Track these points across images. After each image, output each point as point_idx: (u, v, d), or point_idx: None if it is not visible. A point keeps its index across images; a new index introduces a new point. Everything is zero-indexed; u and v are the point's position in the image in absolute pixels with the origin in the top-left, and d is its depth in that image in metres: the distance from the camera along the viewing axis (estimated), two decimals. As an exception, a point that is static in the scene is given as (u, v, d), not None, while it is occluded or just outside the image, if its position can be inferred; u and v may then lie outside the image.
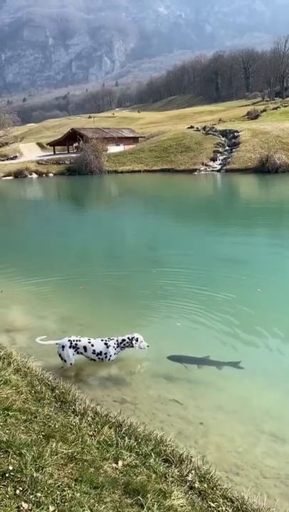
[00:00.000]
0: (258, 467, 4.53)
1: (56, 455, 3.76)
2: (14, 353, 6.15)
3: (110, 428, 4.37)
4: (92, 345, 6.42)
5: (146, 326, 7.93)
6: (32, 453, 3.69)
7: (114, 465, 3.76)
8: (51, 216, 25.08)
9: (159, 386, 6.05)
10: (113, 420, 4.51)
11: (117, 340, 6.51)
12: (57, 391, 5.00)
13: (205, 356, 6.59)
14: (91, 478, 3.45)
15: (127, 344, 6.49)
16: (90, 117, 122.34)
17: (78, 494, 3.25)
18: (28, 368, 5.62)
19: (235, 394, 5.96)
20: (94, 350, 6.42)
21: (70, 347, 6.34)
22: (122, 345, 6.50)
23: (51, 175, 52.44)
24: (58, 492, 3.25)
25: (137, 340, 6.47)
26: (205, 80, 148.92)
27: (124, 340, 6.50)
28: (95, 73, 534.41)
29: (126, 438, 4.16)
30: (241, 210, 23.53)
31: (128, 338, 6.51)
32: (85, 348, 6.40)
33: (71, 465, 3.68)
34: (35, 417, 4.40)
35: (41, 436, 4.06)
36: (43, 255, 14.00)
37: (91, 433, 4.25)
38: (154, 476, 3.63)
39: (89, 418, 4.53)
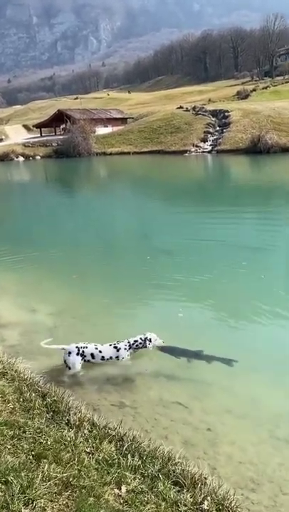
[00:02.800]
0: (275, 481, 4.05)
1: (49, 481, 3.24)
2: (0, 353, 5.60)
3: (110, 443, 3.84)
4: (100, 352, 5.89)
5: (145, 317, 7.40)
6: (20, 480, 3.16)
7: (116, 491, 3.24)
8: (39, 201, 24.25)
9: (159, 386, 5.52)
10: (113, 433, 3.97)
11: (129, 342, 5.97)
12: (48, 399, 4.44)
13: (199, 350, 6.09)
14: (91, 513, 2.93)
15: (140, 345, 5.97)
16: (76, 98, 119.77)
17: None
18: (15, 372, 5.05)
19: (243, 394, 5.46)
20: (103, 357, 5.89)
21: (77, 354, 5.79)
22: (134, 346, 5.96)
23: (38, 158, 51.16)
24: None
25: (150, 340, 5.96)
26: (193, 59, 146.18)
27: (136, 341, 5.98)
28: (81, 53, 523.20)
29: (129, 456, 3.64)
30: (236, 192, 22.91)
31: (140, 338, 5.99)
32: (92, 355, 5.86)
33: (66, 493, 3.16)
34: (24, 432, 3.86)
35: (31, 457, 3.52)
36: (31, 242, 13.23)
37: (88, 450, 3.72)
38: (163, 504, 3.12)
39: (85, 431, 3.99)
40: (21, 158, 51.20)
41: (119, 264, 10.58)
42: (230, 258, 10.50)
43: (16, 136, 64.52)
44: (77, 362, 5.76)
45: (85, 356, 5.83)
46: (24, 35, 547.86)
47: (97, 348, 5.88)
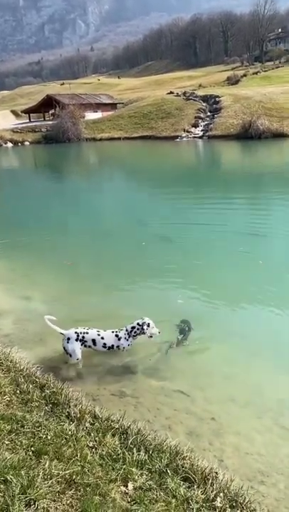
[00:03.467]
0: (284, 473, 3.90)
1: (51, 479, 3.04)
2: (-6, 342, 5.37)
3: (114, 436, 3.65)
4: (103, 338, 5.58)
5: (143, 304, 7.14)
6: (20, 479, 2.95)
7: (123, 488, 3.05)
8: (28, 187, 23.78)
9: (160, 375, 5.34)
10: (116, 426, 3.78)
11: (127, 330, 5.63)
12: (47, 390, 4.23)
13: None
14: (97, 513, 2.74)
15: (139, 331, 5.62)
16: (63, 84, 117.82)
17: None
18: (11, 362, 4.83)
19: (245, 381, 5.30)
20: (104, 344, 5.58)
21: (76, 340, 5.47)
22: (132, 333, 5.62)
23: (27, 143, 50.27)
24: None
25: (148, 325, 5.59)
26: (183, 44, 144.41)
27: (133, 327, 5.62)
28: (69, 37, 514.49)
29: (134, 450, 3.45)
30: (228, 177, 22.65)
31: (138, 324, 5.62)
32: (94, 341, 5.56)
33: (70, 492, 2.96)
34: (22, 426, 3.65)
35: (31, 453, 3.32)
36: (21, 229, 12.83)
37: (91, 444, 3.53)
38: (174, 502, 2.94)
39: (87, 424, 3.80)
40: (10, 144, 50.28)
41: (112, 250, 10.33)
42: (227, 243, 10.31)
43: (4, 121, 63.24)
44: (77, 348, 5.45)
45: (86, 342, 5.53)
46: (10, 19, 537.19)
47: (99, 335, 5.59)
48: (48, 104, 59.89)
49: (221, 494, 2.99)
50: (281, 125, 39.19)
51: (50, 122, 53.65)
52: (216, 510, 2.89)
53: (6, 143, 50.30)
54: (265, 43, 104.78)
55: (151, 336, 5.64)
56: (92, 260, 9.72)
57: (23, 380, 4.40)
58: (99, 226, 13.08)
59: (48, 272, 8.98)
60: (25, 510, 2.70)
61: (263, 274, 8.34)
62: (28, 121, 62.52)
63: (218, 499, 2.94)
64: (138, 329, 5.62)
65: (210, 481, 3.13)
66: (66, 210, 16.30)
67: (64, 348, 5.49)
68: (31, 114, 65.06)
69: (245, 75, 72.14)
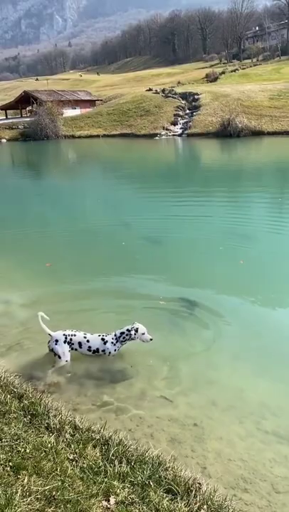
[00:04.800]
0: (268, 479, 3.88)
1: (30, 496, 2.94)
2: None
3: (95, 447, 3.56)
4: (88, 341, 5.51)
5: (126, 306, 7.05)
6: (-2, 498, 2.84)
7: (104, 503, 2.97)
8: (5, 185, 23.37)
9: (142, 380, 5.26)
10: (97, 436, 3.69)
11: (116, 335, 5.55)
12: (25, 401, 4.11)
13: None
14: (79, 532, 2.66)
15: (128, 337, 5.53)
16: (37, 79, 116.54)
17: None
18: (-12, 371, 4.69)
19: (228, 385, 5.26)
20: (90, 347, 5.51)
21: (64, 342, 5.41)
22: (121, 338, 5.53)
23: (4, 141, 49.44)
24: None
25: (136, 330, 5.50)
26: (161, 40, 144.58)
27: (122, 333, 5.53)
28: (46, 32, 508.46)
29: (116, 462, 3.37)
30: (207, 175, 22.69)
31: (127, 329, 5.53)
32: (80, 343, 5.50)
33: (50, 510, 2.87)
34: (0, 440, 3.53)
35: (9, 469, 3.21)
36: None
37: (71, 457, 3.43)
38: (157, 516, 2.88)
39: (67, 435, 3.70)
40: (-14, 141, 49.42)
41: (93, 251, 10.21)
42: (208, 242, 10.30)
43: (-20, 118, 62.18)
44: (66, 350, 5.40)
45: (73, 344, 5.47)
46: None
47: (85, 337, 5.52)
48: (26, 100, 59.09)
49: (205, 506, 2.94)
50: (259, 123, 39.59)
51: (28, 119, 52.92)
52: (199, 523, 2.84)
53: (-18, 140, 49.40)
54: (243, 41, 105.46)
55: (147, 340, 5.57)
56: (72, 261, 9.57)
57: (0, 390, 4.27)
58: (78, 225, 12.90)
59: (27, 274, 8.78)
60: (3, 531, 2.60)
61: (245, 274, 8.35)
62: (4, 117, 61.50)
63: (202, 511, 2.89)
64: (127, 335, 5.54)
65: (193, 492, 3.08)
66: (44, 209, 16.04)
67: (52, 349, 5.42)
68: (8, 111, 64.04)
69: (223, 73, 72.48)
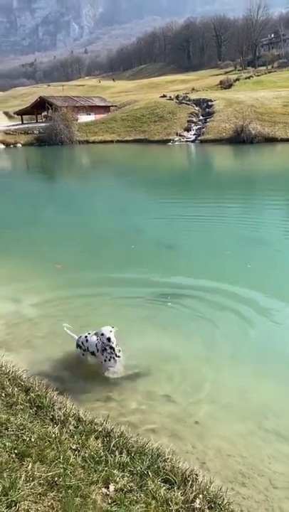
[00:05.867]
0: (265, 474, 3.97)
1: (33, 481, 3.08)
2: (-20, 346, 5.39)
3: (97, 439, 3.70)
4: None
5: (134, 308, 7.18)
6: (2, 481, 2.99)
7: (104, 490, 3.10)
8: (20, 189, 23.73)
9: (146, 379, 5.39)
10: (100, 429, 3.83)
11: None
12: (32, 394, 4.26)
13: None
14: (78, 514, 2.79)
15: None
16: (48, 85, 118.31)
17: None
18: (-3, 365, 4.86)
19: (229, 385, 5.35)
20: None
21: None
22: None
23: (19, 145, 50.16)
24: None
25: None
26: (176, 48, 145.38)
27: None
28: (62, 39, 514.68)
29: (116, 452, 3.50)
30: (221, 181, 22.81)
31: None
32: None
33: (52, 494, 3.00)
34: (6, 429, 3.69)
35: (14, 456, 3.36)
36: (12, 231, 12.79)
37: (74, 447, 3.57)
38: (154, 503, 2.99)
39: (70, 427, 3.84)
40: (2, 146, 50.14)
41: (104, 254, 10.37)
42: (216, 247, 10.39)
43: (-3, 123, 63.20)
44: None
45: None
46: (4, 20, 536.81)
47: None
48: (41, 105, 59.83)
49: (201, 496, 3.05)
50: (273, 129, 39.54)
51: (43, 124, 53.59)
52: (194, 511, 2.95)
53: (-2, 144, 50.17)
54: (258, 48, 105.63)
55: None
56: (83, 263, 9.73)
57: (8, 383, 4.43)
58: (89, 228, 13.12)
59: (38, 275, 8.99)
60: (7, 510, 2.74)
61: (252, 278, 8.42)
62: (20, 123, 62.37)
63: (198, 500, 3.00)
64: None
65: (190, 482, 3.19)
66: (57, 212, 16.29)
67: (91, 352, 5.49)
68: (24, 116, 64.93)
69: (238, 79, 72.64)
